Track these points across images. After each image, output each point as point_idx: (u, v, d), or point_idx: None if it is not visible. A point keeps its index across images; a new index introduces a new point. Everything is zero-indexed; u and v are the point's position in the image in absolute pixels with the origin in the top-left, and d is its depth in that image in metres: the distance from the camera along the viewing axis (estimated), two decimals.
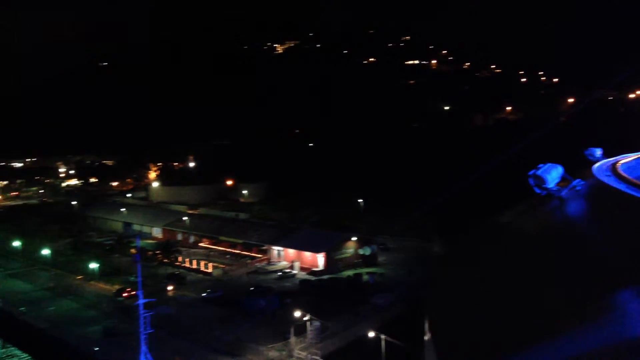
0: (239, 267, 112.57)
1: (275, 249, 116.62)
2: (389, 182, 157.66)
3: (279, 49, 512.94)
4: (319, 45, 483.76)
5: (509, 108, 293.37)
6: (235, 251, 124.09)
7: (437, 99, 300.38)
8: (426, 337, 23.47)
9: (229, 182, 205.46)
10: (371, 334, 64.82)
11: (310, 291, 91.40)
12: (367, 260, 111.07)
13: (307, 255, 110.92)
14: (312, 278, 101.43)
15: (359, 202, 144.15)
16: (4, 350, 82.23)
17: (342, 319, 76.80)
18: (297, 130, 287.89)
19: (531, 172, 28.36)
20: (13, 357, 79.65)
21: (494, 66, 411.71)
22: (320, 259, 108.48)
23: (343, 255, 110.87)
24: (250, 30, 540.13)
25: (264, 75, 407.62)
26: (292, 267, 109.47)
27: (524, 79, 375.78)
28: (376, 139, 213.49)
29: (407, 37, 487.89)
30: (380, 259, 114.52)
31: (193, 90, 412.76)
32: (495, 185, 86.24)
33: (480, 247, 30.46)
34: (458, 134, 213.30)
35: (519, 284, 20.60)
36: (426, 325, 23.36)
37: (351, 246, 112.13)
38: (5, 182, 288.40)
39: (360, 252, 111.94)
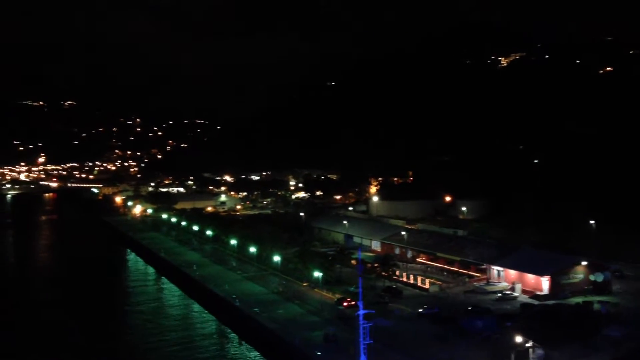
0: (456, 285, 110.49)
1: (495, 268, 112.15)
2: (626, 202, 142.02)
3: (504, 61, 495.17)
4: (547, 56, 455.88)
5: None
6: (452, 268, 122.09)
7: None
8: None
9: (448, 198, 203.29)
10: None
11: (532, 316, 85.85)
12: (599, 288, 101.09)
13: (530, 277, 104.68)
14: (535, 302, 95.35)
15: (590, 223, 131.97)
16: (239, 347, 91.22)
17: (569, 349, 70.76)
18: (521, 146, 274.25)
19: None
20: (246, 353, 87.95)
21: None
22: (544, 283, 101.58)
23: (571, 280, 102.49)
24: (472, 43, 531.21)
25: (487, 89, 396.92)
26: (512, 289, 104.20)
27: None
28: (610, 155, 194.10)
29: None
30: (615, 287, 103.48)
31: (414, 106, 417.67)
32: None
33: None
34: None
35: None
36: None
37: (580, 271, 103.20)
38: (244, 193, 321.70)
39: (591, 278, 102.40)
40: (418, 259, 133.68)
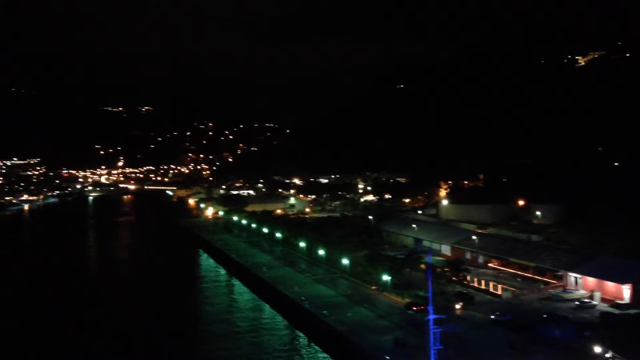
0: (530, 292, 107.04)
1: (572, 275, 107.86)
2: None
3: (581, 61, 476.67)
4: (628, 55, 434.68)
5: None
6: (526, 275, 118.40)
7: None
8: None
9: (521, 202, 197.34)
10: None
11: (613, 325, 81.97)
12: None
13: (610, 285, 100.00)
14: (616, 311, 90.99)
15: None
16: (309, 348, 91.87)
17: None
18: (600, 148, 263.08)
19: None
20: (315, 355, 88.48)
21: None
22: (625, 291, 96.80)
23: None
24: (549, 42, 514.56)
25: (562, 89, 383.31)
26: (591, 297, 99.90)
27: None
28: None
29: None
30: None
31: (486, 107, 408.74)
32: None
33: None
34: None
35: None
36: None
37: None
38: (313, 196, 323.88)
39: None
40: (490, 264, 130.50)
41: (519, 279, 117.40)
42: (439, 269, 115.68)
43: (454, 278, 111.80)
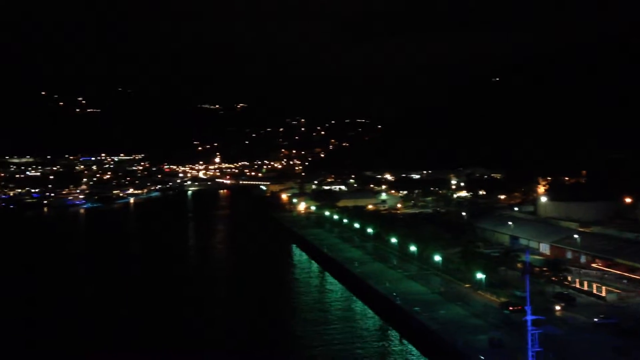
0: (638, 295, 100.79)
1: None
2: None
3: None
4: None
5: None
6: (634, 276, 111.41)
7: None
8: None
9: (628, 200, 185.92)
10: None
11: None
12: None
13: None
14: None
15: None
16: (400, 344, 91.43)
17: None
18: None
19: None
20: (407, 351, 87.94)
21: None
22: None
23: None
24: None
25: None
26: None
27: None
28: None
29: None
30: None
31: (589, 102, 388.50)
32: None
33: None
34: None
35: None
36: None
37: None
38: (405, 192, 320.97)
39: None
40: (593, 265, 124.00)
41: (625, 281, 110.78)
42: (537, 269, 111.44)
43: (553, 278, 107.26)
